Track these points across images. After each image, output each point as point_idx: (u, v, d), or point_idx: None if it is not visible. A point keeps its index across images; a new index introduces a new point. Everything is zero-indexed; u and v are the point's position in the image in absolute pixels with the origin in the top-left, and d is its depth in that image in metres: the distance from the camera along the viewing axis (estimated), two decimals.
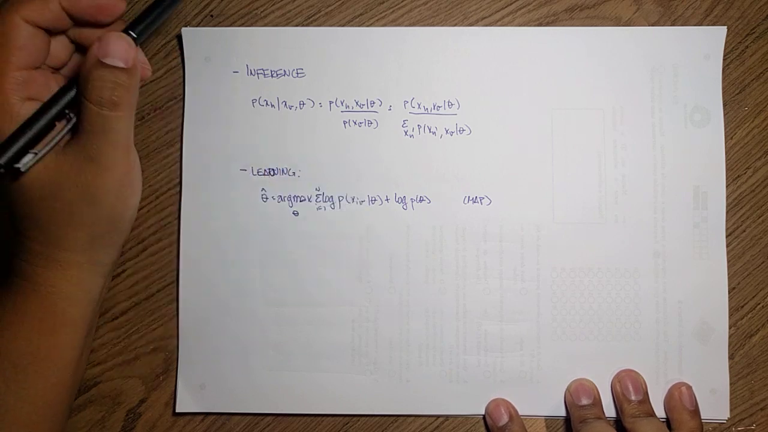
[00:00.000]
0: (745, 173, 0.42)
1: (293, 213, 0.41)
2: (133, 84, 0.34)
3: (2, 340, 0.34)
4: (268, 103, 0.41)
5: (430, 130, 0.41)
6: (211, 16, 0.42)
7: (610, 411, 0.40)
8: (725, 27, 0.41)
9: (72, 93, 0.33)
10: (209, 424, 0.41)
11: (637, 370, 0.40)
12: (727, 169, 0.41)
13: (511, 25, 0.42)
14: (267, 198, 0.41)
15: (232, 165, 0.41)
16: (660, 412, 0.40)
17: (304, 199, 0.41)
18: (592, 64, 0.41)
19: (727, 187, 0.41)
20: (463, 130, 0.41)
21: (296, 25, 0.42)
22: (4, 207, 0.36)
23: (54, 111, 0.33)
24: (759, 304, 0.41)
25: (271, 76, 0.41)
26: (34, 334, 0.35)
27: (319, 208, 0.41)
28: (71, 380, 0.37)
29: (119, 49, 0.33)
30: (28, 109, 0.33)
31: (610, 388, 0.40)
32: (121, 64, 0.33)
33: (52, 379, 0.35)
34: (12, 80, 0.32)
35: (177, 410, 0.41)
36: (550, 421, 0.41)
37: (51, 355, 0.35)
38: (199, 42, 0.41)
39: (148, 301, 0.42)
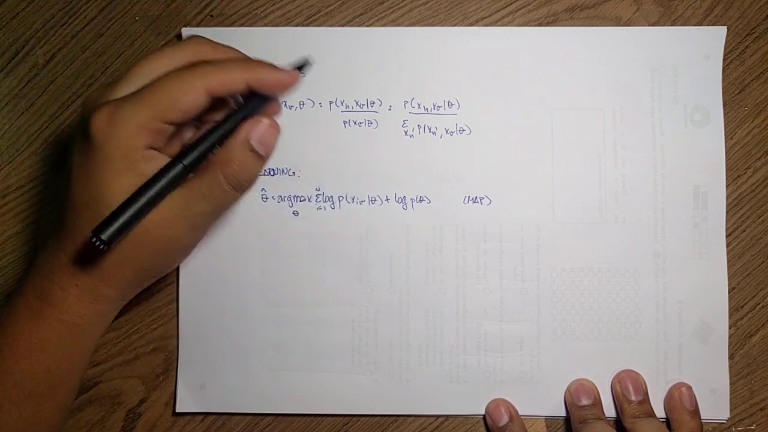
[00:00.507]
0: (745, 173, 0.42)
1: (293, 213, 0.41)
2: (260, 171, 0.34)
3: (19, 366, 0.33)
4: None
5: (430, 130, 0.41)
6: (211, 16, 0.42)
7: (610, 411, 0.40)
8: (725, 27, 0.41)
9: (179, 168, 0.32)
10: (209, 424, 0.41)
11: (637, 370, 0.40)
12: (727, 169, 0.41)
13: (511, 25, 0.42)
14: (267, 198, 0.41)
15: None
16: (660, 412, 0.40)
17: (304, 199, 0.41)
18: (592, 64, 0.41)
19: (727, 187, 0.41)
20: (463, 130, 0.41)
21: (296, 25, 0.42)
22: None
23: (160, 187, 0.32)
24: (759, 304, 0.41)
25: None
26: (54, 362, 0.34)
27: (319, 208, 0.41)
28: (74, 398, 0.37)
29: (268, 140, 0.33)
30: (148, 156, 0.32)
31: (610, 388, 0.40)
32: (263, 154, 0.33)
33: (62, 403, 0.35)
34: (156, 130, 0.31)
35: (177, 410, 0.41)
36: (550, 421, 0.41)
37: (64, 382, 0.35)
38: None
39: (148, 301, 0.42)
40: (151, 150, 0.32)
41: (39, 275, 0.34)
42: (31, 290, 0.34)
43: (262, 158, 0.33)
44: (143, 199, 0.31)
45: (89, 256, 0.33)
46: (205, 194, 0.32)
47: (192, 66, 0.32)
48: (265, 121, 0.33)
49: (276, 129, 0.33)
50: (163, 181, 0.31)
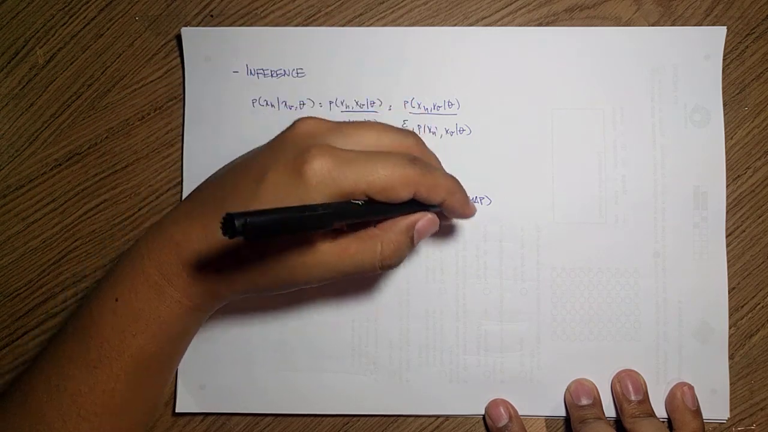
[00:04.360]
0: (745, 173, 0.42)
1: None
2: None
3: (137, 341, 0.33)
4: (268, 103, 0.41)
5: (430, 130, 0.41)
6: (211, 16, 0.42)
7: (610, 411, 0.40)
8: (725, 27, 0.41)
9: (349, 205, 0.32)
10: (209, 425, 0.41)
11: (637, 370, 0.40)
12: (727, 169, 0.41)
13: (511, 25, 0.42)
14: None
15: None
16: (660, 412, 0.40)
17: None
18: (592, 64, 0.41)
19: (727, 187, 0.41)
20: (463, 130, 0.41)
21: (296, 25, 0.42)
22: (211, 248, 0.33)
23: (322, 212, 0.30)
24: (759, 304, 0.41)
25: (271, 76, 0.41)
26: (166, 342, 0.35)
27: None
28: (170, 380, 0.39)
29: (425, 233, 0.34)
30: None
31: (610, 388, 0.40)
32: (415, 242, 0.34)
33: (166, 381, 0.38)
34: (358, 199, 0.32)
35: (177, 410, 0.41)
36: (550, 421, 0.41)
37: (171, 361, 0.37)
38: (199, 42, 0.41)
39: None
40: None
41: (169, 256, 0.33)
42: (155, 267, 0.33)
43: (413, 247, 0.34)
44: (298, 214, 0.29)
45: (230, 259, 0.33)
46: (355, 259, 0.33)
47: (412, 160, 0.32)
48: (430, 217, 0.34)
49: (436, 226, 0.34)
50: (328, 209, 0.30)
